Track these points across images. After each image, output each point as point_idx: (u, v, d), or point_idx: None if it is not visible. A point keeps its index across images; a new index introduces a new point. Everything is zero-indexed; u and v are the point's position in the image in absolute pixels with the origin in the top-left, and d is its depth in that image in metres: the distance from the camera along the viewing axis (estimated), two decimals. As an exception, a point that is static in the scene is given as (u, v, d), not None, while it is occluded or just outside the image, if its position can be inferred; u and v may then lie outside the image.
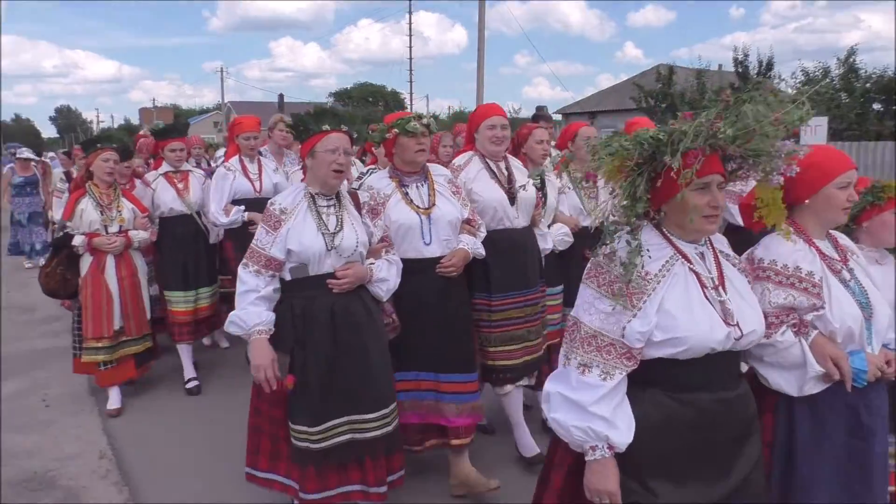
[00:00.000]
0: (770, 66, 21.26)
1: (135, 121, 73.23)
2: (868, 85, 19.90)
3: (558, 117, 30.38)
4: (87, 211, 4.80)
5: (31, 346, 6.78)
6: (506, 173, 3.90)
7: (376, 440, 3.06)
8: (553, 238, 4.22)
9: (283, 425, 3.08)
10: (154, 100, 74.67)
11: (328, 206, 3.08)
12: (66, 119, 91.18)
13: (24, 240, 11.22)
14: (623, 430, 1.97)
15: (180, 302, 5.43)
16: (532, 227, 4.01)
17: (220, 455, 4.26)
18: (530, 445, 3.98)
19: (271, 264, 2.98)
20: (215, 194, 5.27)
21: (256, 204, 5.06)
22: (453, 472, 3.65)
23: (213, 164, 7.63)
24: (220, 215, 5.20)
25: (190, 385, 5.47)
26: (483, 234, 3.66)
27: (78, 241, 4.80)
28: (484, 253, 3.60)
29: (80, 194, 4.88)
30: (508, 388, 3.84)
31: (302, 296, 3.00)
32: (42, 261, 10.89)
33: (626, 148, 1.96)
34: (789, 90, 21.89)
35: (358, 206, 3.23)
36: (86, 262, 4.89)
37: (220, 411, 4.94)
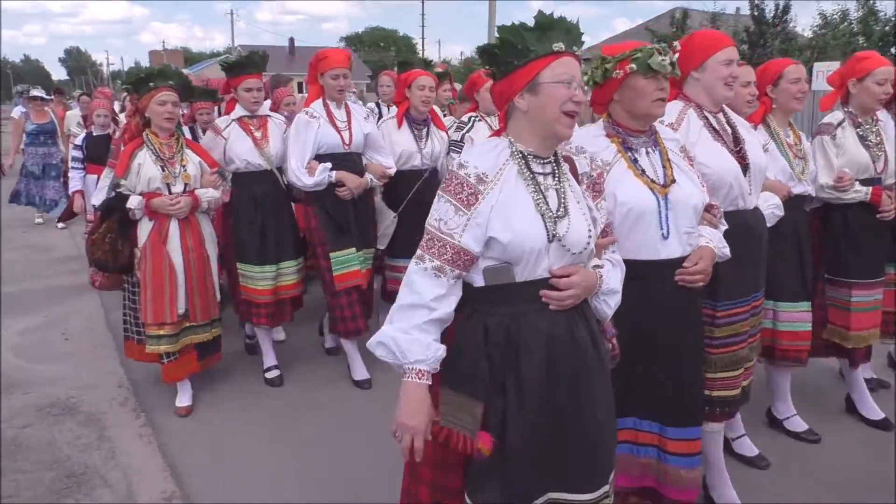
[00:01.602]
0: (787, 9, 20.82)
1: (144, 63, 72.77)
2: (887, 28, 19.53)
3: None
4: (146, 166, 3.88)
5: (50, 284, 7.03)
6: (729, 130, 2.83)
7: None
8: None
9: (455, 497, 2.07)
10: (164, 42, 74.09)
11: (545, 174, 1.98)
12: (77, 61, 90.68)
13: (34, 191, 9.83)
14: None
15: (257, 278, 4.38)
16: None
17: (234, 383, 4.55)
18: (730, 496, 3.07)
19: (460, 260, 1.91)
20: (296, 147, 4.19)
21: (345, 161, 4.27)
22: None
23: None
24: (303, 174, 4.15)
25: (270, 374, 4.58)
26: (725, 226, 2.63)
27: (134, 202, 3.88)
28: (729, 254, 2.56)
29: (136, 145, 3.94)
30: (718, 426, 2.97)
31: (502, 313, 1.94)
32: (54, 216, 10.04)
33: None
34: (806, 34, 21.55)
35: (576, 176, 2.12)
36: (144, 230, 3.97)
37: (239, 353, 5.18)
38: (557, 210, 1.94)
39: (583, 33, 1.98)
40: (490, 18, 21.59)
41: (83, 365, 4.90)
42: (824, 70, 11.52)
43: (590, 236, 1.99)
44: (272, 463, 3.56)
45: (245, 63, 4.40)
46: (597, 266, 2.10)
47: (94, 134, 6.58)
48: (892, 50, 19.64)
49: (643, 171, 2.38)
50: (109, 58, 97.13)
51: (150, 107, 3.91)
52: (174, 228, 3.98)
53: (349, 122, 4.34)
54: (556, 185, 1.99)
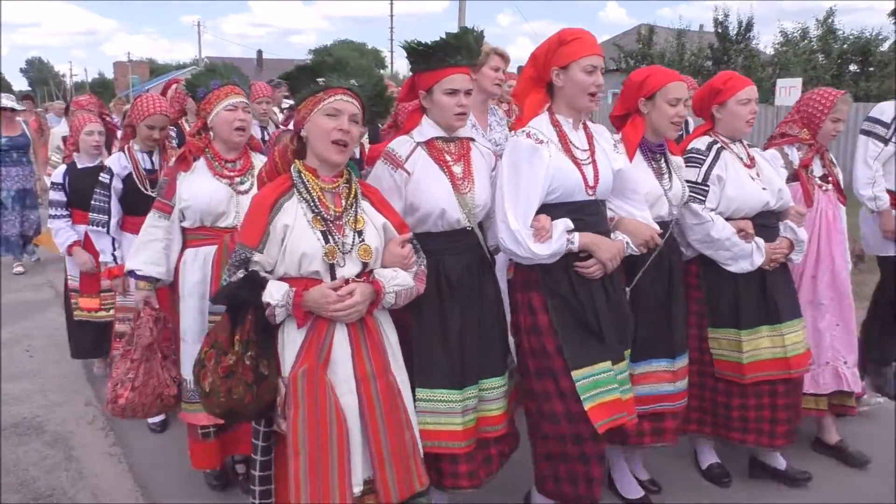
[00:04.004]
0: (749, 27, 21.34)
1: (109, 75, 71.83)
2: (845, 46, 20.06)
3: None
4: (298, 230, 2.23)
5: (13, 299, 6.85)
6: None
7: None
8: None
9: None
10: (129, 53, 73.17)
11: None
12: (39, 71, 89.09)
13: (8, 229, 7.63)
14: None
15: (452, 411, 2.59)
16: None
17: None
18: None
19: None
20: (514, 190, 2.57)
21: (588, 214, 2.64)
22: None
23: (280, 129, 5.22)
24: (528, 238, 2.55)
25: None
26: None
27: (278, 293, 2.19)
28: None
29: (280, 191, 2.28)
30: None
31: None
32: (32, 257, 8.00)
33: None
34: (768, 51, 22.08)
35: None
36: (291, 344, 2.26)
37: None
38: None
39: None
40: (459, 33, 21.75)
41: (49, 383, 4.78)
42: (787, 86, 11.80)
43: None
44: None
45: (455, 46, 2.56)
46: None
47: (80, 166, 4.48)
48: (851, 67, 20.23)
49: None
50: (73, 69, 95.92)
51: (310, 119, 2.27)
52: (342, 342, 2.26)
53: (592, 151, 2.68)
54: None
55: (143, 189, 3.83)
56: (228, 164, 3.13)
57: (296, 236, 2.21)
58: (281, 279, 2.25)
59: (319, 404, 2.18)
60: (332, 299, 2.19)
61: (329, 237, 2.24)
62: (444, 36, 2.55)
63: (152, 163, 3.92)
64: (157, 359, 3.12)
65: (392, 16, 49.46)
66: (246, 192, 3.08)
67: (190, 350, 3.05)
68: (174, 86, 5.19)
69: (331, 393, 2.21)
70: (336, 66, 2.32)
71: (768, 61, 20.58)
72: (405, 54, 2.65)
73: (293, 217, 2.24)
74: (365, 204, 2.38)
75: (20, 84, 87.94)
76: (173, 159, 3.26)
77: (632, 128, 2.98)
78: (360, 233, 2.29)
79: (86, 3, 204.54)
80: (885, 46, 20.11)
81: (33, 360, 5.24)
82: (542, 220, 2.54)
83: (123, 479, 3.54)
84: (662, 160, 3.05)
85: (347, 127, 2.23)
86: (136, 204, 3.76)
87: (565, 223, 2.55)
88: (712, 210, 3.08)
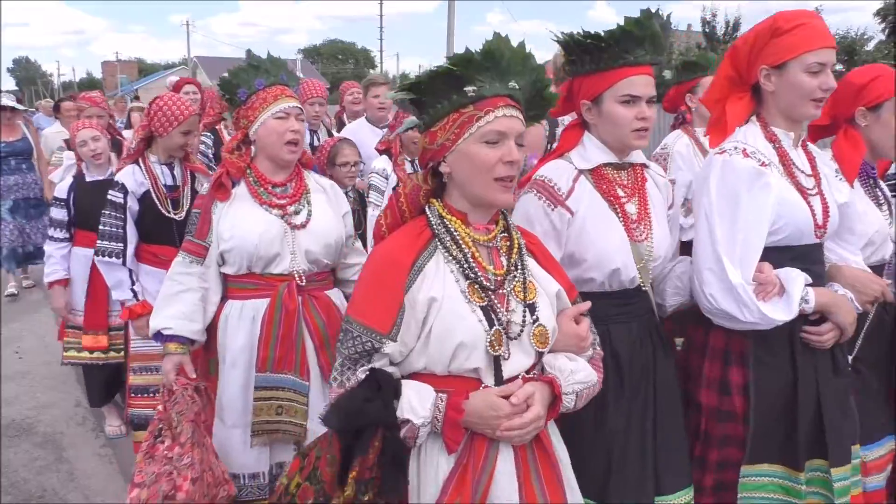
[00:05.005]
0: (737, 26, 21.53)
1: (97, 74, 71.55)
2: (832, 46, 20.29)
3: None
4: (449, 307, 1.53)
5: (3, 301, 6.86)
6: None
7: None
8: None
9: None
10: (118, 53, 72.79)
11: None
12: (26, 71, 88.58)
13: (11, 242, 6.58)
14: None
15: None
16: None
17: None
18: None
19: None
20: (730, 227, 1.92)
21: (814, 260, 2.06)
22: None
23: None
24: (750, 296, 1.89)
25: None
26: None
27: (421, 408, 1.50)
28: None
29: (420, 245, 1.59)
30: None
31: None
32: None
33: None
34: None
35: None
36: (433, 471, 1.56)
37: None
38: None
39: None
40: (449, 32, 21.78)
41: (38, 384, 4.79)
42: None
43: None
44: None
45: (637, 36, 1.92)
46: None
47: (88, 179, 3.84)
48: (837, 66, 20.42)
49: None
50: (60, 68, 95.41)
51: (456, 149, 1.56)
52: (507, 471, 1.57)
53: (817, 179, 2.05)
54: None
55: (163, 210, 3.22)
56: (277, 189, 2.42)
57: (447, 316, 1.51)
58: (414, 375, 1.56)
59: None
60: (505, 413, 1.50)
61: (494, 316, 1.53)
62: (621, 24, 1.89)
63: (174, 177, 3.29)
64: (208, 443, 2.33)
65: (381, 15, 49.65)
66: (303, 225, 2.39)
67: (229, 437, 2.40)
68: (185, 85, 5.09)
69: None
70: (487, 62, 1.55)
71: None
72: (562, 51, 2.01)
73: (441, 286, 1.53)
74: (530, 262, 1.66)
75: (7, 84, 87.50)
76: (206, 185, 2.58)
77: (850, 144, 2.23)
78: (531, 307, 1.59)
79: (74, 3, 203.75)
80: (871, 46, 20.34)
81: (23, 361, 5.25)
82: (765, 270, 1.89)
83: (114, 479, 3.56)
84: (876, 187, 2.41)
85: (516, 156, 1.53)
86: (154, 229, 3.24)
87: (803, 276, 1.91)
88: None
